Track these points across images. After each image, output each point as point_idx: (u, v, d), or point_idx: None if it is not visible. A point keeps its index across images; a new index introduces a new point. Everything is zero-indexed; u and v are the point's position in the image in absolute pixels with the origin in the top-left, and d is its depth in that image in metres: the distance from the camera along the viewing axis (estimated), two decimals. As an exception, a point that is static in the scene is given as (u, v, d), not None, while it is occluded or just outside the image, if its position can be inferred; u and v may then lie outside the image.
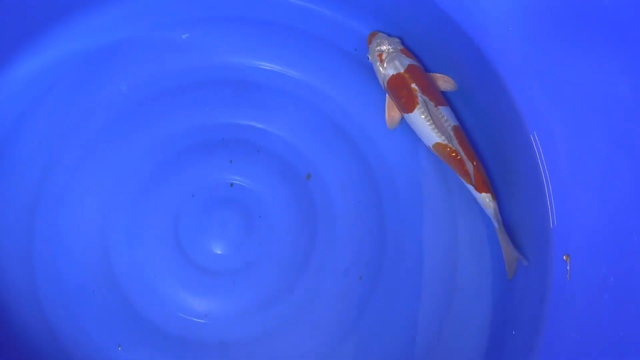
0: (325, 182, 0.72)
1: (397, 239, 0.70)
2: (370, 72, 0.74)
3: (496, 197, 0.65)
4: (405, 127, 0.71)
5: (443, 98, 0.67)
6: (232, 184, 0.72)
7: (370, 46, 0.71)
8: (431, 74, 0.70)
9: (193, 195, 0.71)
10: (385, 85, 0.68)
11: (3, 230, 0.69)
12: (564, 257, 0.60)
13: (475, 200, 0.66)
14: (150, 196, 0.71)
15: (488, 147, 0.71)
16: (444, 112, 0.65)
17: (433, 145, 0.65)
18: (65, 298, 0.68)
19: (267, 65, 0.76)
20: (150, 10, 0.76)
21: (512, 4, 0.65)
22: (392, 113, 0.70)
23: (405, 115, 0.67)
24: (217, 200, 0.71)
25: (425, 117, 0.64)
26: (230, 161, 0.73)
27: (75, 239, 0.69)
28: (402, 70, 0.66)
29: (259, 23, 0.76)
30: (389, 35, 0.72)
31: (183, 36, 0.76)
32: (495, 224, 0.64)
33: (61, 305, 0.68)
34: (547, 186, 0.64)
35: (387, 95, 0.70)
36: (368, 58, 0.72)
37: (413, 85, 0.65)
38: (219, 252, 0.70)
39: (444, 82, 0.70)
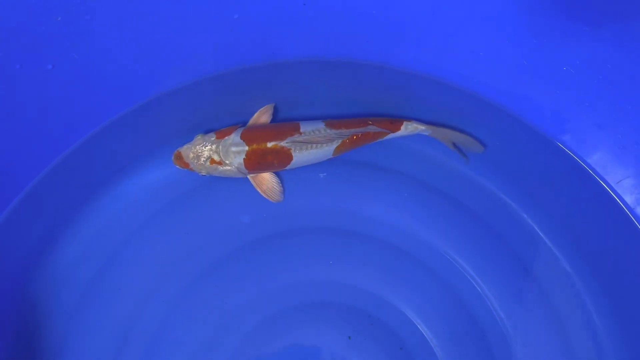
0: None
1: None
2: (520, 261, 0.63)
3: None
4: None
5: (289, 122, 0.63)
6: None
7: (192, 167, 0.62)
8: (255, 117, 0.65)
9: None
10: (247, 172, 0.63)
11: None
12: None
13: None
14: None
15: None
16: (307, 128, 0.61)
17: (334, 153, 0.62)
18: None
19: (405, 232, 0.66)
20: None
21: None
22: (262, 187, 0.65)
23: (289, 165, 0.63)
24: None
25: (305, 148, 0.61)
26: (349, 337, 0.62)
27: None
28: (246, 148, 0.60)
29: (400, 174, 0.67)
30: (189, 142, 0.63)
31: (321, 175, 0.68)
32: (429, 132, 0.63)
33: None
34: None
35: (249, 176, 0.64)
36: (203, 175, 0.63)
37: (268, 145, 0.61)
38: None
39: (267, 113, 0.65)
